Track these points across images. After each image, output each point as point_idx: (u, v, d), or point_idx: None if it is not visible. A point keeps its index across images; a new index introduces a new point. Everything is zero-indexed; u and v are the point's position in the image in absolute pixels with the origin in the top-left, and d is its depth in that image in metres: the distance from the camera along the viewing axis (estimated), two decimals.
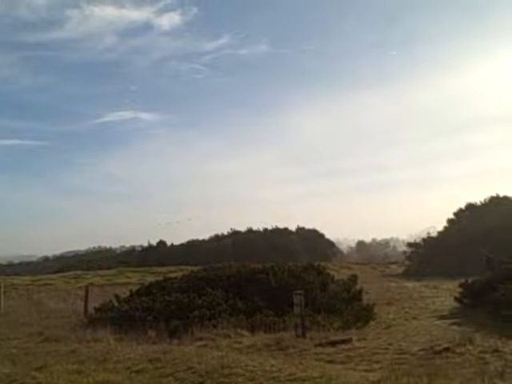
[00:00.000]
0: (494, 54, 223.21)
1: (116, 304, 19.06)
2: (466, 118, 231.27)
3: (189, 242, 77.96)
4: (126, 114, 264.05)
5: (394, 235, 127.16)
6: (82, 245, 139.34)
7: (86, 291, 21.49)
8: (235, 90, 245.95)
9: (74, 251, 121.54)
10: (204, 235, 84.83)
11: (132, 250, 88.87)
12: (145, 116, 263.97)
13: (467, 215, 52.61)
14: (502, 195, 52.56)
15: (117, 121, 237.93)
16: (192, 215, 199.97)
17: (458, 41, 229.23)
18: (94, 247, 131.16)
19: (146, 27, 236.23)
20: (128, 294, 20.73)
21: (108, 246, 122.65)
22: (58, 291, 33.63)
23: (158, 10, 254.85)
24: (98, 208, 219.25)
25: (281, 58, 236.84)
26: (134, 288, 21.94)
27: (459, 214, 53.78)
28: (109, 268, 53.52)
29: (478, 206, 52.95)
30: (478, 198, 54.23)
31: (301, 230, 77.19)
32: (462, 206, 54.03)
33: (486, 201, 52.90)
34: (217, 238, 77.95)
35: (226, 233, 78.71)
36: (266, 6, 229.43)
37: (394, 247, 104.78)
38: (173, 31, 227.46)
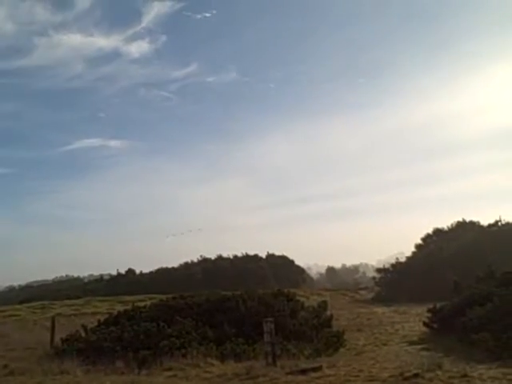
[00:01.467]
0: (458, 82, 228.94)
1: (83, 334, 18.71)
2: (431, 145, 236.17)
3: (158, 269, 77.11)
4: (95, 142, 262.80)
5: (364, 261, 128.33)
6: (48, 274, 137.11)
7: (53, 322, 21.03)
8: (204, 116, 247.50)
9: (40, 281, 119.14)
10: (173, 263, 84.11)
11: (100, 278, 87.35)
12: (113, 143, 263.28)
13: (435, 240, 53.30)
14: (468, 220, 53.54)
15: (85, 148, 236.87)
16: (161, 242, 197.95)
17: (423, 70, 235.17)
18: (61, 276, 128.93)
19: (115, 55, 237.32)
20: (96, 324, 20.36)
21: (76, 275, 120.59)
22: (24, 322, 32.83)
23: (127, 38, 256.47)
24: (65, 236, 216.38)
25: (248, 85, 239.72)
26: (102, 318, 21.57)
27: (427, 239, 54.46)
28: (76, 297, 52.51)
29: (445, 231, 53.75)
30: (445, 223, 55.13)
31: (270, 257, 77.04)
32: (430, 231, 54.81)
33: (453, 226, 53.78)
34: (186, 266, 77.28)
35: (195, 260, 78.16)
36: (234, 35, 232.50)
37: (364, 273, 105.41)
38: (141, 59, 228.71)
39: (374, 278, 56.10)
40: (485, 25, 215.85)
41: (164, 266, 79.29)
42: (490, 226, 50.16)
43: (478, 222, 52.96)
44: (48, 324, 25.05)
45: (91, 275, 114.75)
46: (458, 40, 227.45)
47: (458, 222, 53.48)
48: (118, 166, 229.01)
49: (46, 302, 46.29)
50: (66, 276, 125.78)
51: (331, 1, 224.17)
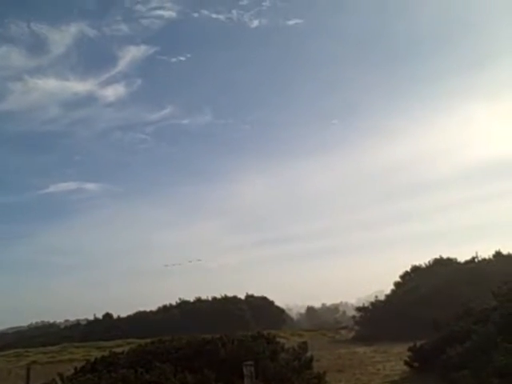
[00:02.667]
0: (431, 121, 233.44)
1: (60, 383, 18.29)
2: (407, 183, 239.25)
3: (136, 313, 76.06)
4: (71, 185, 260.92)
5: (344, 299, 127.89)
6: (23, 321, 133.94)
7: (28, 371, 20.59)
8: (179, 159, 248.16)
9: (15, 327, 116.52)
10: (152, 306, 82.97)
11: (77, 324, 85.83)
12: (89, 186, 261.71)
13: (413, 277, 53.49)
14: (445, 257, 53.97)
15: (61, 191, 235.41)
16: (139, 286, 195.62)
17: (395, 110, 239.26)
18: (36, 322, 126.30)
19: (90, 99, 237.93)
20: (72, 371, 19.94)
21: (51, 321, 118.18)
22: None
23: (102, 82, 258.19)
24: (40, 281, 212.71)
25: (223, 127, 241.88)
26: (79, 365, 21.13)
27: (405, 276, 54.66)
28: (52, 344, 51.42)
29: (423, 269, 54.02)
30: (423, 259, 55.55)
31: (250, 298, 76.48)
32: (408, 268, 55.06)
33: (430, 263, 54.11)
34: (165, 309, 76.30)
35: (174, 303, 77.23)
36: (208, 78, 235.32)
37: (344, 312, 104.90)
38: (117, 102, 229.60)
39: (353, 316, 55.87)
40: (458, 65, 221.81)
41: (142, 309, 78.40)
42: (466, 262, 50.61)
43: (455, 259, 53.47)
44: (23, 373, 24.49)
45: (67, 321, 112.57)
46: (431, 80, 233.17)
47: (435, 259, 53.93)
48: (94, 209, 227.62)
49: (20, 350, 45.30)
50: (42, 322, 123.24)
51: (305, 44, 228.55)
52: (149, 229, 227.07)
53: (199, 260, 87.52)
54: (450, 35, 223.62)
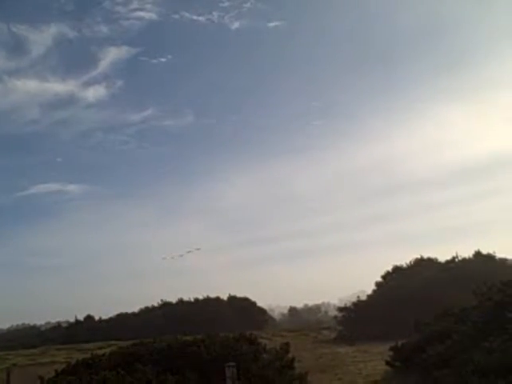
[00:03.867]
0: (410, 124, 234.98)
1: None
2: (387, 184, 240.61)
3: (118, 315, 75.61)
4: (52, 186, 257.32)
5: (326, 300, 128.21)
6: (3, 323, 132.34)
7: (8, 374, 20.40)
8: (162, 160, 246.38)
9: None
10: (134, 308, 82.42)
11: (58, 326, 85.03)
12: (71, 188, 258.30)
13: (394, 277, 53.80)
14: (426, 257, 54.41)
15: (42, 193, 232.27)
16: (122, 287, 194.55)
17: (374, 111, 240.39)
18: (17, 325, 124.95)
19: (71, 100, 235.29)
20: (53, 374, 19.78)
21: (32, 323, 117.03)
22: None
23: (83, 82, 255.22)
24: (20, 283, 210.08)
25: (206, 128, 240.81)
26: (61, 367, 20.96)
27: (387, 276, 54.96)
28: (33, 346, 50.99)
29: (405, 269, 54.37)
30: (405, 260, 55.93)
31: (232, 299, 76.37)
32: (390, 268, 55.39)
33: (412, 263, 54.51)
34: (147, 310, 75.97)
35: (156, 304, 76.88)
36: (190, 79, 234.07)
37: (326, 312, 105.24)
38: (98, 103, 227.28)
39: (335, 317, 56.09)
40: (435, 66, 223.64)
41: (124, 311, 77.93)
42: (447, 262, 51.03)
43: (436, 259, 53.90)
44: (3, 376, 24.24)
45: (48, 323, 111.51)
46: (409, 82, 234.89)
47: (417, 259, 54.34)
48: (75, 210, 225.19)
49: (0, 353, 44.84)
50: (22, 324, 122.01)
51: (286, 45, 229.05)
52: (131, 229, 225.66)
53: (198, 249, 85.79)
54: (427, 37, 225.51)
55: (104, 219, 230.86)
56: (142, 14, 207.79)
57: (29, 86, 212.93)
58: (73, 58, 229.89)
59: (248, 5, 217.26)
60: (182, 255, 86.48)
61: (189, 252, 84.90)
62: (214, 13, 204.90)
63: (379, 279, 55.15)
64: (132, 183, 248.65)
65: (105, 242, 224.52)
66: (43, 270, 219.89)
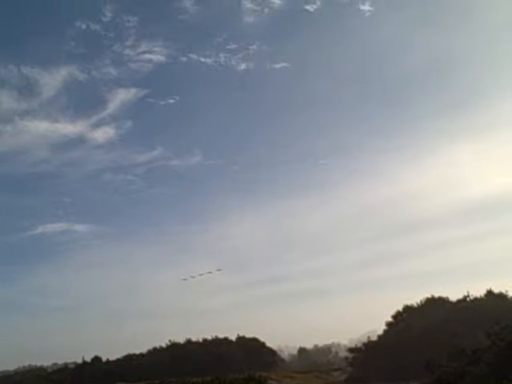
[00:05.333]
0: (417, 162, 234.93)
1: None
2: (396, 223, 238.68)
3: (125, 356, 74.81)
4: (60, 226, 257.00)
5: (336, 340, 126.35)
6: (10, 364, 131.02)
7: None
8: (169, 200, 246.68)
9: (1, 371, 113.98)
10: (141, 348, 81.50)
11: (65, 367, 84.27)
12: (79, 228, 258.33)
13: (405, 317, 53.13)
14: (437, 296, 53.78)
15: (50, 233, 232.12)
16: (130, 327, 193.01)
17: (383, 149, 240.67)
18: (23, 366, 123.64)
19: (80, 141, 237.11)
20: None
21: (39, 365, 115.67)
22: None
23: (92, 124, 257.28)
24: (28, 323, 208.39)
25: (213, 168, 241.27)
26: None
27: (397, 316, 54.27)
28: None
29: (415, 308, 53.72)
30: (415, 299, 55.27)
31: (241, 340, 75.50)
32: (400, 308, 54.75)
33: (423, 302, 53.86)
34: (155, 351, 75.12)
35: (164, 345, 76.05)
36: (197, 119, 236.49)
37: (336, 352, 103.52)
38: (107, 144, 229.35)
39: (346, 358, 55.37)
40: (443, 107, 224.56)
41: (131, 351, 77.05)
42: (458, 301, 50.42)
43: (447, 298, 53.25)
44: None
45: (55, 364, 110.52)
46: (418, 121, 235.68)
47: (427, 299, 53.72)
48: (83, 250, 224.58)
49: None
50: (29, 366, 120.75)
51: (292, 86, 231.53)
52: (139, 269, 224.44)
53: (219, 270, 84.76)
54: (434, 76, 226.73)
55: (112, 259, 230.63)
56: (150, 56, 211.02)
57: (39, 126, 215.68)
58: (82, 100, 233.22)
59: (254, 47, 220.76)
60: (202, 274, 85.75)
61: (209, 273, 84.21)
62: (221, 55, 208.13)
63: (390, 319, 54.52)
64: (140, 223, 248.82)
65: (112, 282, 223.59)
66: (50, 310, 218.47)
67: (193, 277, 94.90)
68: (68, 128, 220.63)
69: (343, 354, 72.29)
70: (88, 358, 73.68)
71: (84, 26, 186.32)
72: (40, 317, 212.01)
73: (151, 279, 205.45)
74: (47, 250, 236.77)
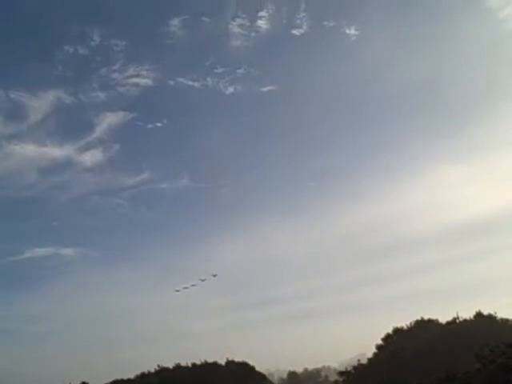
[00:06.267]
0: (401, 184, 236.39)
1: None
2: (383, 244, 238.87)
3: (113, 381, 73.81)
4: (47, 250, 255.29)
5: (326, 363, 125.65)
6: None
7: None
8: (157, 222, 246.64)
9: None
10: (129, 374, 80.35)
11: None
12: (66, 251, 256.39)
13: (395, 340, 52.96)
14: (426, 318, 53.70)
15: (37, 257, 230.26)
16: (118, 352, 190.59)
17: (371, 172, 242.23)
18: None
19: (68, 164, 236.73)
20: None
21: None
22: None
23: (80, 147, 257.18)
24: (13, 349, 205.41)
25: (200, 191, 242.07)
26: None
27: (387, 339, 54.08)
28: None
29: (405, 330, 53.60)
30: (405, 321, 55.14)
31: (230, 364, 74.69)
32: (390, 330, 54.57)
33: (412, 324, 53.76)
34: (143, 376, 74.07)
35: (152, 370, 75.02)
36: (185, 143, 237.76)
37: (326, 376, 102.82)
38: (95, 167, 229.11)
39: (336, 381, 54.99)
40: (430, 129, 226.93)
41: (120, 377, 76.00)
42: (448, 323, 50.45)
43: (437, 320, 53.26)
44: None
45: None
46: (405, 143, 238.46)
47: (417, 321, 53.67)
48: (70, 274, 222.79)
49: None
50: None
51: (279, 109, 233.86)
52: (126, 293, 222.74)
53: (215, 275, 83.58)
54: (423, 96, 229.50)
55: (99, 283, 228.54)
56: (137, 80, 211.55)
57: (26, 150, 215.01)
58: (70, 123, 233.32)
59: (241, 70, 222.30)
60: (194, 285, 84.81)
61: (203, 280, 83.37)
62: (209, 79, 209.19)
63: (380, 342, 54.30)
64: (127, 246, 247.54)
65: (100, 306, 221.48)
66: (36, 335, 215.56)
67: (186, 287, 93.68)
68: (56, 151, 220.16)
69: (333, 377, 71.80)
70: None
71: (72, 50, 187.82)
72: (26, 342, 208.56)
73: (139, 303, 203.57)
74: (34, 275, 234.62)
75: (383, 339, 54.29)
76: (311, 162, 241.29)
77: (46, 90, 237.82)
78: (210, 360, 74.35)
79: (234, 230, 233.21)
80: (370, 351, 55.69)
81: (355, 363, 55.11)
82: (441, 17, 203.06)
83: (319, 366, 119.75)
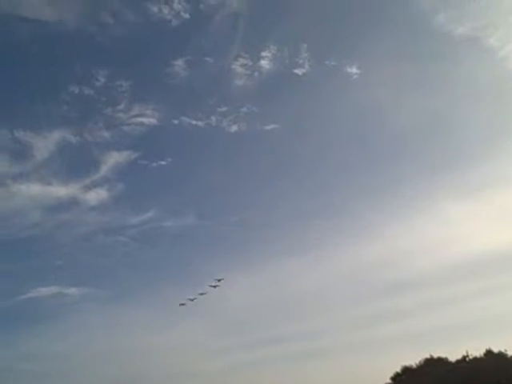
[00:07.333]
0: (410, 220, 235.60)
1: None
2: (390, 282, 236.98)
3: None
4: (51, 290, 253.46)
5: None
6: None
7: None
8: (163, 261, 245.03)
9: None
10: None
11: None
12: (71, 291, 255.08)
13: (404, 379, 52.35)
14: (436, 356, 53.08)
15: (41, 297, 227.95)
16: None
17: (374, 209, 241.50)
18: None
19: (73, 203, 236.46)
20: None
21: None
22: None
23: (85, 186, 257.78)
24: None
25: (206, 229, 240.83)
26: None
27: (396, 378, 53.47)
28: None
29: (414, 369, 53.00)
30: (414, 359, 54.50)
31: None
32: (399, 369, 53.95)
33: (421, 363, 53.13)
34: None
35: None
36: (190, 180, 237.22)
37: None
38: (99, 206, 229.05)
39: None
40: (434, 166, 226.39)
41: None
42: (458, 362, 49.92)
43: (446, 358, 52.67)
44: None
45: None
46: (408, 181, 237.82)
47: (427, 359, 53.13)
48: (75, 314, 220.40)
49: None
50: None
51: (283, 147, 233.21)
52: (132, 333, 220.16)
53: (221, 279, 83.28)
54: (425, 138, 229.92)
55: (104, 323, 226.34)
56: (142, 119, 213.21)
57: (32, 189, 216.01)
58: (75, 163, 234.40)
59: (245, 109, 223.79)
60: (203, 293, 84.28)
61: (213, 286, 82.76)
62: (213, 117, 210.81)
63: (388, 381, 53.65)
64: (133, 285, 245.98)
65: (105, 347, 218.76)
66: (40, 376, 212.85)
67: (193, 299, 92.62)
68: (60, 190, 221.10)
69: None
70: None
71: (77, 91, 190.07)
72: (28, 383, 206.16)
73: (145, 343, 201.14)
74: (38, 315, 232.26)
75: (392, 378, 53.66)
76: (315, 199, 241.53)
77: (52, 130, 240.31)
78: None
79: (240, 268, 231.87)
80: None
81: None
82: (442, 56, 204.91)
83: None
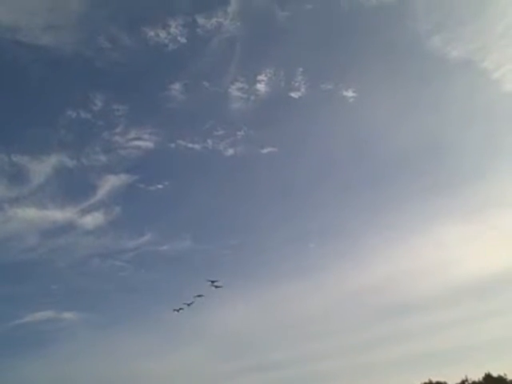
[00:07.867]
0: (412, 245, 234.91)
1: None
2: (389, 304, 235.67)
3: None
4: (47, 314, 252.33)
5: None
6: None
7: None
8: (159, 285, 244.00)
9: None
10: None
11: None
12: (67, 315, 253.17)
13: None
14: (435, 381, 52.71)
15: (37, 321, 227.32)
16: None
17: (371, 231, 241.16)
18: None
19: (69, 227, 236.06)
20: None
21: None
22: None
23: (81, 210, 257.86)
24: None
25: (203, 253, 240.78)
26: None
27: None
28: None
29: None
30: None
31: None
32: None
33: None
34: None
35: None
36: (187, 204, 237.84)
37: None
38: (96, 230, 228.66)
39: None
40: (432, 188, 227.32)
41: None
42: None
43: (446, 383, 52.12)
44: None
45: None
46: (406, 203, 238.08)
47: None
48: (71, 339, 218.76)
49: None
50: None
51: (278, 169, 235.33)
52: (129, 359, 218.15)
53: (217, 282, 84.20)
54: (422, 160, 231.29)
55: (101, 348, 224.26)
56: (139, 143, 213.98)
57: (28, 213, 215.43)
58: (72, 187, 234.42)
59: (241, 132, 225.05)
60: (200, 296, 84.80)
61: (217, 287, 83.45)
62: (209, 141, 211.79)
63: None
64: (129, 310, 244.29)
65: (101, 372, 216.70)
66: None
67: (188, 304, 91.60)
68: (57, 214, 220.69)
69: None
70: None
71: (74, 115, 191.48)
72: None
73: (142, 369, 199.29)
74: (34, 340, 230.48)
75: None
76: (312, 222, 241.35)
77: (49, 154, 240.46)
78: None
79: (237, 292, 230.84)
80: None
81: None
82: (437, 79, 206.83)
83: None
